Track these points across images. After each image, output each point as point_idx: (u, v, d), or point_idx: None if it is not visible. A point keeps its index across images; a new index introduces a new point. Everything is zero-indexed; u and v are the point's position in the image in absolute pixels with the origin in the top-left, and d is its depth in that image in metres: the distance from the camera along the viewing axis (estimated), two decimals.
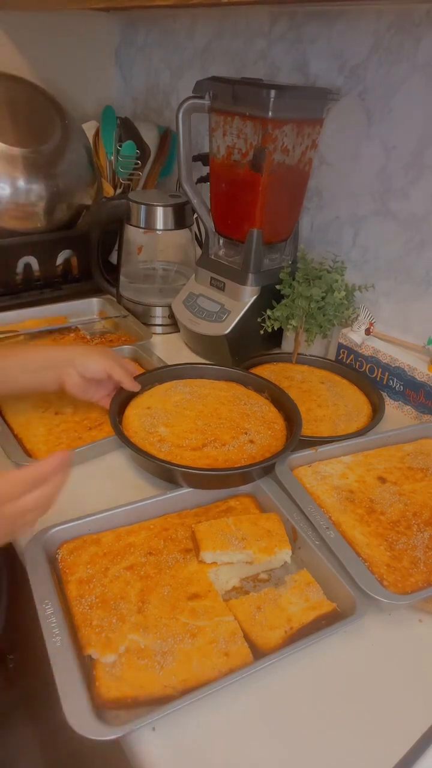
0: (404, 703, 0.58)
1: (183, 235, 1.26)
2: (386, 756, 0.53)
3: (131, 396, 0.88)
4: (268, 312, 1.07)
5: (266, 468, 0.78)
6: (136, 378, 0.88)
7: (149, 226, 1.19)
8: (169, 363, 0.99)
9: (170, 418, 0.84)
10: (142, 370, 0.94)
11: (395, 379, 1.01)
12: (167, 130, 1.48)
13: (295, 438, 0.81)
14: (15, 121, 1.21)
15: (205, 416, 0.85)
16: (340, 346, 1.07)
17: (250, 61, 1.21)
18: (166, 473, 0.78)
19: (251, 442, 0.81)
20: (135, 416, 0.84)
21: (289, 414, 0.87)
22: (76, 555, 0.67)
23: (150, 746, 0.52)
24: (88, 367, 0.81)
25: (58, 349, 0.86)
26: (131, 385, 0.86)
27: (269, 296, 1.08)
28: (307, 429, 0.91)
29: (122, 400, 0.86)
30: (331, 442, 0.86)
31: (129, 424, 0.83)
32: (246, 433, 0.82)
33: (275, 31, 1.14)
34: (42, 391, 0.85)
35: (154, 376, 0.93)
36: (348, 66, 1.03)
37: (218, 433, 0.81)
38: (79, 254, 1.30)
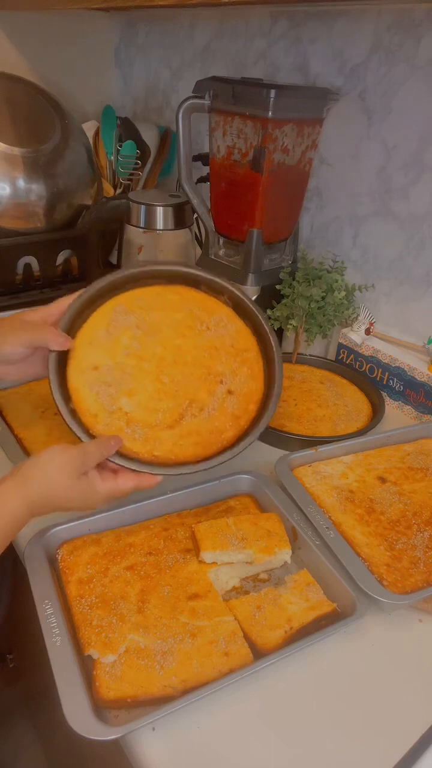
0: (404, 703, 0.58)
1: (183, 235, 1.26)
2: (386, 756, 0.53)
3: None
4: (268, 312, 1.07)
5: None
6: (65, 311, 0.72)
7: (149, 226, 1.19)
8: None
9: (127, 378, 0.70)
10: (68, 300, 0.74)
11: (395, 379, 1.01)
12: (167, 130, 1.48)
13: (276, 396, 0.73)
14: (15, 121, 1.21)
15: (168, 365, 0.72)
16: (340, 346, 1.07)
17: (250, 61, 1.21)
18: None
19: (230, 393, 0.72)
20: (84, 386, 0.69)
21: (258, 329, 0.77)
22: (76, 555, 0.67)
23: (150, 746, 0.52)
24: (4, 353, 0.69)
25: None
26: (61, 344, 0.70)
27: (269, 296, 1.08)
28: (307, 429, 0.92)
29: (60, 361, 0.70)
30: (331, 442, 0.86)
31: (81, 401, 0.68)
32: (222, 382, 0.72)
33: (275, 31, 1.14)
34: None
35: (85, 301, 0.74)
36: (348, 66, 1.03)
37: (192, 391, 0.71)
38: (79, 254, 1.29)
